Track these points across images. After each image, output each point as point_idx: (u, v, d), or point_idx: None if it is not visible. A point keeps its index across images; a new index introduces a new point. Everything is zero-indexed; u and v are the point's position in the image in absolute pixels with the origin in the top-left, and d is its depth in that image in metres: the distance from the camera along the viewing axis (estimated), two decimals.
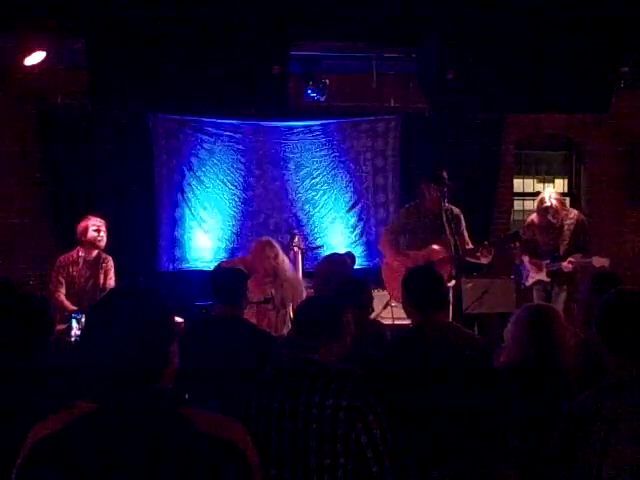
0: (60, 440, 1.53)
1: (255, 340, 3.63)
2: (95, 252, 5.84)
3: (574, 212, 6.58)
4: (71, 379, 1.85)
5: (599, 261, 6.16)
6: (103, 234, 5.82)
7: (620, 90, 6.41)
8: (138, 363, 1.56)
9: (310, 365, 2.44)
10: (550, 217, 6.38)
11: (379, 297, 6.28)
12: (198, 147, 7.51)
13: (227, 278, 3.76)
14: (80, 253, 5.81)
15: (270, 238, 5.67)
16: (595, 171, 8.47)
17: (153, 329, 1.60)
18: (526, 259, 6.47)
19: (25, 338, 2.79)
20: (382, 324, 4.27)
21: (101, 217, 5.88)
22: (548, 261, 6.36)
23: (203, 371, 3.37)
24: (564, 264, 6.21)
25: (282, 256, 5.51)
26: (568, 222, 6.38)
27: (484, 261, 5.73)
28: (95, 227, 5.80)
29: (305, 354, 2.49)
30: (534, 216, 6.61)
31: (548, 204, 6.37)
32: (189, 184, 7.50)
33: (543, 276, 6.39)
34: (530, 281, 6.49)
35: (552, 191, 6.78)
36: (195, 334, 3.65)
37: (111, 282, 5.84)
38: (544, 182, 8.73)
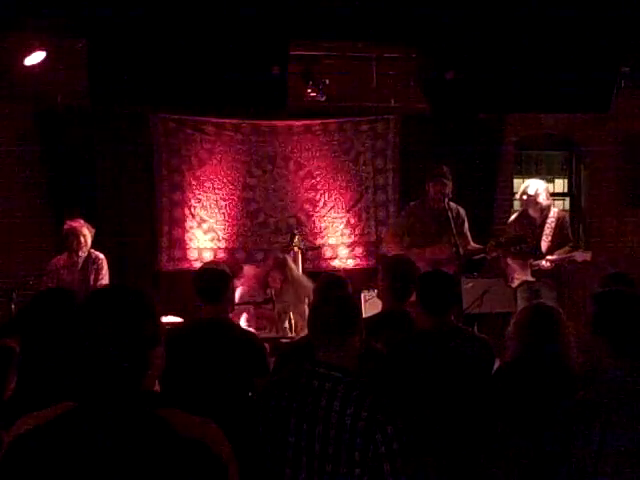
0: (37, 437, 1.54)
1: (241, 344, 3.59)
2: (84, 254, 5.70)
3: (555, 210, 6.56)
4: None
5: (581, 256, 6.12)
6: (83, 237, 5.67)
7: (620, 90, 6.40)
8: (117, 364, 1.57)
9: (332, 369, 2.40)
10: (531, 211, 6.38)
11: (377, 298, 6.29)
12: (198, 147, 7.50)
13: (208, 277, 3.73)
14: (69, 255, 5.71)
15: (287, 257, 5.71)
16: (595, 171, 8.47)
17: (133, 331, 1.60)
18: (510, 260, 6.34)
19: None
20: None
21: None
22: (532, 260, 6.27)
23: (190, 376, 3.37)
24: (542, 262, 6.18)
25: (292, 276, 5.52)
26: (549, 220, 6.35)
27: (489, 257, 5.98)
28: (70, 231, 5.65)
29: (328, 353, 2.44)
30: (514, 216, 6.66)
31: (531, 193, 6.37)
32: (189, 184, 7.50)
33: (528, 276, 6.27)
34: (515, 282, 6.33)
35: (535, 182, 6.61)
36: (181, 338, 3.60)
37: (103, 281, 5.72)
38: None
